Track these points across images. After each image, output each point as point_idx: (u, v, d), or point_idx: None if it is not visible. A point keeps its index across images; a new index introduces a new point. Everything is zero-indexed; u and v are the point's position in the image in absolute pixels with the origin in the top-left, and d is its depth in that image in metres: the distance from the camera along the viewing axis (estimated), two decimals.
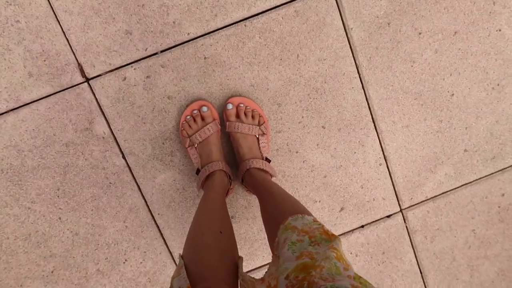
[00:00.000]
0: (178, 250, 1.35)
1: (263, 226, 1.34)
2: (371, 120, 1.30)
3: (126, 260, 1.34)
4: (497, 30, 1.27)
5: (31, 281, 1.32)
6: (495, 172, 1.40)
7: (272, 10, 1.19)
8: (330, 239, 0.80)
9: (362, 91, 1.27)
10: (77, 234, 1.30)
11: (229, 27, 1.19)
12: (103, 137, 1.23)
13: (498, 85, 1.32)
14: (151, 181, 1.28)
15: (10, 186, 1.24)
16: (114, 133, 1.23)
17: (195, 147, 1.22)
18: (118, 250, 1.33)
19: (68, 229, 1.29)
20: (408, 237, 1.43)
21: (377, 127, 1.31)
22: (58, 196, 1.26)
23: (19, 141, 1.21)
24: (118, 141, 1.24)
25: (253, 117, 1.22)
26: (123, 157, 1.26)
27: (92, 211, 1.29)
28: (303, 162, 1.32)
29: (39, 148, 1.22)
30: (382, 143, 1.32)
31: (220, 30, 1.19)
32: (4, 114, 1.19)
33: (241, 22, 1.19)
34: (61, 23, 1.15)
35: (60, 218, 1.28)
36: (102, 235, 1.31)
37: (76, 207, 1.28)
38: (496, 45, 1.28)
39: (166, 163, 1.27)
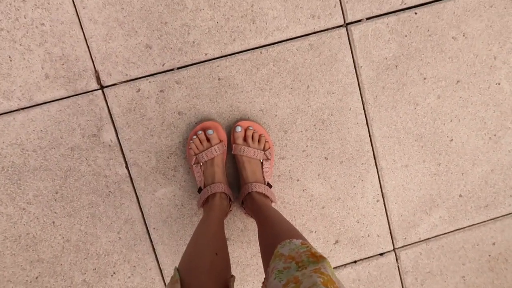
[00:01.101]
0: (169, 267, 1.33)
1: (257, 251, 1.34)
2: (373, 156, 1.34)
3: (114, 273, 1.32)
4: (496, 84, 1.34)
5: (13, 285, 1.28)
6: (488, 220, 1.43)
7: (288, 41, 1.24)
8: (317, 261, 0.79)
9: (366, 127, 1.31)
10: (69, 240, 1.28)
11: (245, 52, 1.24)
12: (109, 145, 1.24)
13: (495, 135, 1.37)
14: (150, 194, 1.28)
15: (8, 184, 1.23)
16: (120, 142, 1.24)
17: (200, 166, 1.23)
18: (107, 262, 1.31)
19: (60, 235, 1.27)
20: (399, 278, 1.43)
21: (377, 163, 1.34)
22: (55, 200, 1.25)
23: (25, 140, 1.21)
24: (123, 151, 1.25)
25: (259, 141, 1.25)
26: (126, 167, 1.26)
27: (88, 219, 1.27)
28: (303, 190, 1.34)
29: (44, 149, 1.22)
30: (381, 180, 1.35)
31: (236, 54, 1.24)
32: (15, 112, 1.20)
33: (257, 49, 1.24)
34: (84, 31, 1.18)
35: (53, 223, 1.26)
36: (94, 245, 1.29)
37: (71, 213, 1.27)
38: (495, 98, 1.35)
39: (169, 178, 1.28)
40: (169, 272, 1.33)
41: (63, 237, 1.28)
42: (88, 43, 1.19)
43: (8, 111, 1.20)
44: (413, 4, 1.26)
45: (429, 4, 1.26)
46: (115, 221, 1.29)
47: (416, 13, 1.26)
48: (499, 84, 1.34)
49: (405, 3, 1.26)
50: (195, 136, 1.23)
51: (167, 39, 1.21)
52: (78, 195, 1.26)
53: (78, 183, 1.25)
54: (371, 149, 1.33)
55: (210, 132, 1.21)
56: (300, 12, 1.22)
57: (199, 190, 1.22)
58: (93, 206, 1.27)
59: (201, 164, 1.23)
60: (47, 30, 1.17)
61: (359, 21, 1.25)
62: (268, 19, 1.22)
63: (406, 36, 1.27)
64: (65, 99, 1.21)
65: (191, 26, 1.21)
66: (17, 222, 1.26)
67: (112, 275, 1.32)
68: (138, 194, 1.28)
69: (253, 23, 1.22)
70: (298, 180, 1.33)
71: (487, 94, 1.34)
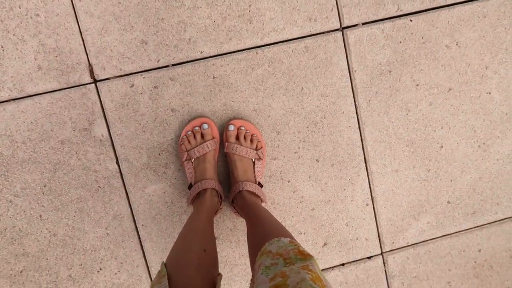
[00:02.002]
0: (156, 265, 1.32)
1: (245, 251, 1.34)
2: (363, 160, 1.34)
3: (100, 269, 1.30)
4: (487, 93, 1.36)
5: None
6: (474, 227, 1.45)
7: (284, 43, 1.25)
8: (305, 258, 0.79)
9: (358, 131, 1.32)
10: (55, 235, 1.26)
11: (241, 52, 1.24)
12: (101, 140, 1.23)
13: (484, 143, 1.39)
14: (140, 191, 1.27)
15: None
16: (112, 137, 1.23)
17: (191, 162, 1.23)
18: (94, 258, 1.29)
19: (47, 229, 1.26)
20: (386, 282, 1.44)
21: (368, 167, 1.35)
22: (43, 193, 1.24)
23: (15, 131, 1.20)
24: (114, 146, 1.24)
25: (251, 141, 1.25)
26: (117, 162, 1.25)
27: (76, 213, 1.26)
28: (294, 192, 1.34)
29: (34, 141, 1.21)
30: (371, 184, 1.36)
31: (232, 54, 1.23)
32: (5, 103, 1.18)
33: (253, 49, 1.24)
34: (79, 23, 1.17)
35: (40, 216, 1.25)
36: (81, 240, 1.28)
37: (59, 207, 1.25)
38: (485, 106, 1.37)
39: (159, 175, 1.27)
40: (156, 270, 1.32)
41: (50, 231, 1.26)
42: (83, 36, 1.18)
43: None
44: (409, 12, 1.28)
45: (424, 12, 1.28)
46: (103, 216, 1.27)
47: (411, 20, 1.27)
48: (489, 93, 1.36)
49: (401, 10, 1.27)
50: (190, 131, 1.22)
51: (163, 36, 1.20)
52: (67, 189, 1.25)
53: (67, 177, 1.24)
54: (362, 153, 1.34)
55: (205, 126, 1.21)
56: (297, 14, 1.23)
57: (190, 186, 1.22)
58: (81, 201, 1.26)
59: (193, 160, 1.22)
60: (42, 21, 1.16)
61: (355, 25, 1.26)
62: (265, 20, 1.22)
63: (400, 42, 1.28)
64: (57, 92, 1.19)
65: (188, 23, 1.20)
66: (3, 215, 1.23)
67: (98, 271, 1.31)
68: (127, 190, 1.27)
69: (250, 23, 1.22)
70: (289, 181, 1.33)
71: (477, 103, 1.36)
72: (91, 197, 1.26)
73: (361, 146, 1.34)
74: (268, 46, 1.25)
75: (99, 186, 1.26)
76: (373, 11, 1.26)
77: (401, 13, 1.28)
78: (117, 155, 1.25)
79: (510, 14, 1.31)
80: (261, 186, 1.25)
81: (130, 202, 1.28)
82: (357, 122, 1.32)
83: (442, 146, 1.37)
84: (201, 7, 1.19)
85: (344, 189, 1.36)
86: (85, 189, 1.25)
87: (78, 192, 1.25)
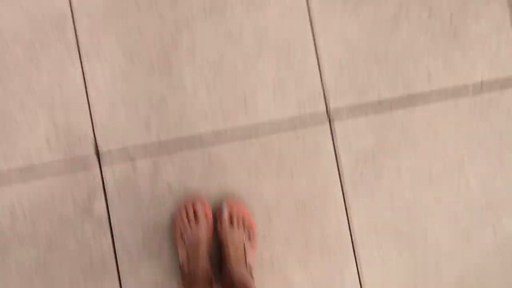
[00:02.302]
0: None
1: None
2: (352, 247, 1.38)
3: None
4: (465, 183, 1.44)
5: None
6: None
7: (276, 130, 1.36)
8: None
9: (346, 216, 1.38)
10: None
11: (236, 136, 1.35)
12: (99, 218, 1.27)
13: (467, 233, 1.43)
14: (133, 270, 1.28)
15: None
16: (110, 215, 1.28)
17: (184, 242, 1.25)
18: None
19: None
20: None
21: (356, 255, 1.38)
22: (36, 272, 1.23)
23: (16, 203, 1.24)
24: (111, 223, 1.28)
25: (243, 224, 1.29)
26: (112, 241, 1.27)
27: None
28: (284, 279, 1.34)
29: (33, 215, 1.24)
30: (360, 273, 1.37)
31: (228, 137, 1.34)
32: (10, 175, 1.24)
33: (247, 134, 1.35)
34: (89, 99, 1.29)
35: None
36: None
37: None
38: (464, 196, 1.44)
39: (153, 255, 1.29)
40: None
41: None
42: (91, 112, 1.29)
43: (4, 173, 1.24)
44: (390, 102, 1.41)
45: (403, 106, 1.42)
46: None
47: (391, 113, 1.41)
48: (467, 183, 1.44)
49: (382, 101, 1.41)
50: (184, 212, 1.27)
51: (165, 117, 1.31)
52: (60, 270, 1.25)
53: (63, 255, 1.25)
54: (350, 239, 1.38)
55: (199, 207, 1.26)
56: (288, 101, 1.36)
57: (181, 266, 1.23)
58: (73, 283, 1.25)
59: (186, 240, 1.25)
60: (56, 97, 1.27)
61: (341, 115, 1.39)
62: (258, 108, 1.35)
63: (382, 132, 1.40)
64: (62, 166, 1.27)
65: (189, 107, 1.33)
66: None
67: None
68: (120, 269, 1.27)
69: (244, 107, 1.35)
70: (278, 267, 1.35)
71: (457, 192, 1.44)
72: (83, 280, 1.26)
73: (348, 233, 1.38)
74: (261, 133, 1.36)
75: (92, 263, 1.26)
76: (357, 101, 1.40)
77: (382, 104, 1.41)
78: (113, 233, 1.28)
79: (479, 110, 1.45)
80: (251, 268, 1.26)
81: (121, 283, 1.27)
82: (344, 207, 1.38)
83: (426, 234, 1.42)
84: (201, 92, 1.33)
85: (333, 277, 1.37)
86: (78, 268, 1.25)
87: (70, 273, 1.25)
